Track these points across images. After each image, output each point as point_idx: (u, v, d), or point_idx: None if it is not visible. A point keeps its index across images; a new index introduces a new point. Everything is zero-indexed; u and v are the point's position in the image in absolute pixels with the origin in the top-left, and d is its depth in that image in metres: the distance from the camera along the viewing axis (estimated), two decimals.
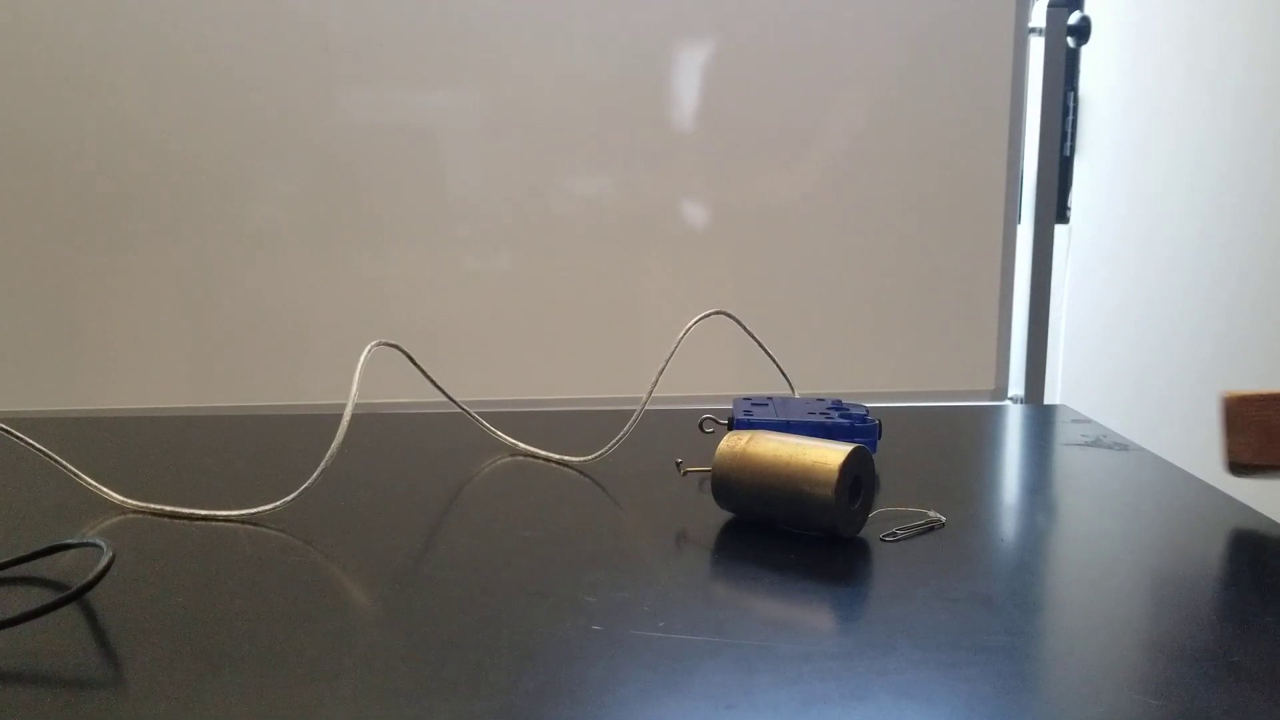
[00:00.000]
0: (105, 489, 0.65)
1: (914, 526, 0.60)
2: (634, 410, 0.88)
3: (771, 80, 1.08)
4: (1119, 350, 1.55)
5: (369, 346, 0.68)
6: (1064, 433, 0.81)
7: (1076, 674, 0.43)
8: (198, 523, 0.61)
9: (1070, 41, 1.12)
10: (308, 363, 1.09)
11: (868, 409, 0.80)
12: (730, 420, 0.71)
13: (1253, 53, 1.36)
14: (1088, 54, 1.56)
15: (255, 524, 0.61)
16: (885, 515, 0.62)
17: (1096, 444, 0.77)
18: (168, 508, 0.63)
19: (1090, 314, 1.59)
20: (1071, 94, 1.54)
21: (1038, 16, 1.11)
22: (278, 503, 0.63)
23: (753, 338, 0.77)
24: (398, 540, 0.58)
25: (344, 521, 0.61)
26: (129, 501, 0.64)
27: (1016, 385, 1.15)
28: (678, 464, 0.69)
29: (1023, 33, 1.10)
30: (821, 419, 0.70)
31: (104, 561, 0.50)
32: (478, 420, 0.77)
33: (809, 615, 0.49)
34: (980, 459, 0.73)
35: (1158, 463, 0.72)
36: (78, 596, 0.48)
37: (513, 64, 1.06)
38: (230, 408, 1.10)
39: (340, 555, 0.56)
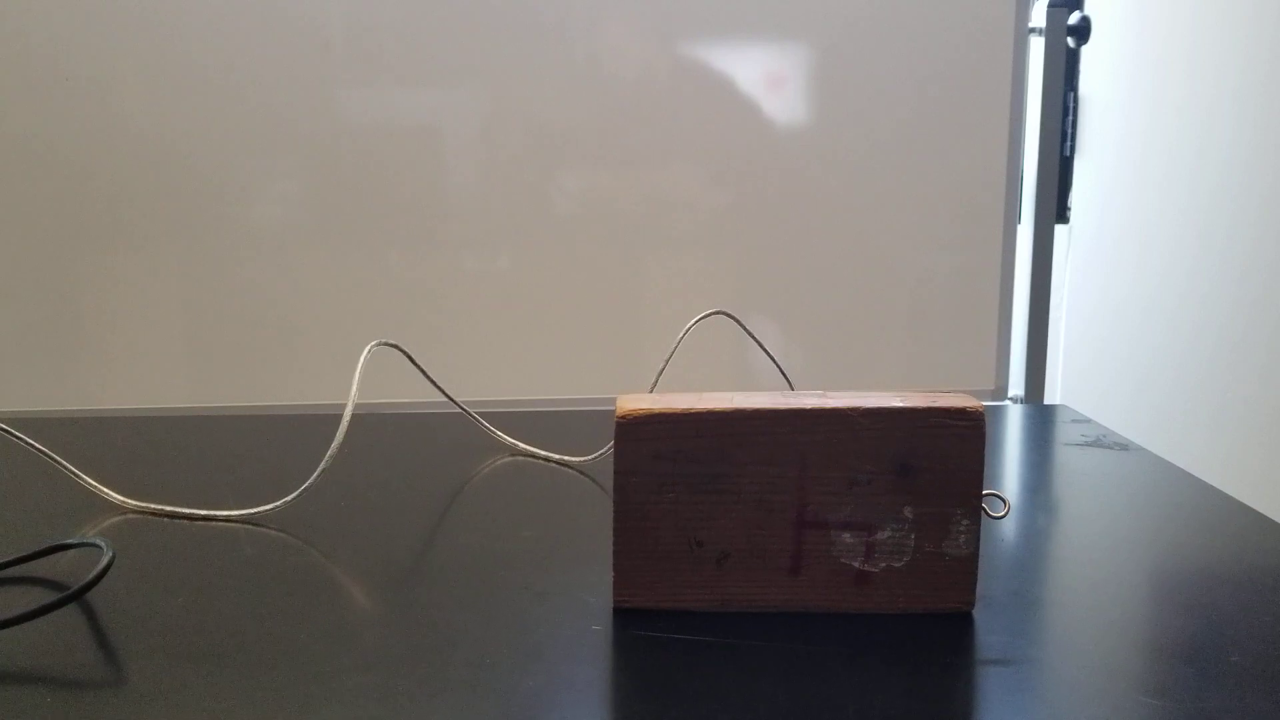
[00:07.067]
0: (105, 489, 0.65)
1: None
2: None
3: (771, 80, 1.08)
4: (1119, 350, 1.55)
5: (369, 346, 0.68)
6: (1064, 433, 0.81)
7: (1076, 674, 0.43)
8: (198, 523, 0.61)
9: (1070, 41, 1.12)
10: (308, 363, 1.09)
11: None
12: None
13: (1253, 53, 1.36)
14: (1088, 54, 1.56)
15: (255, 524, 0.61)
16: None
17: (1096, 444, 0.77)
18: (168, 508, 0.63)
19: (1090, 314, 1.59)
20: (1071, 94, 1.54)
21: (1038, 16, 1.11)
22: (278, 503, 0.63)
23: (752, 338, 0.77)
24: (398, 540, 0.58)
25: (344, 521, 0.61)
26: (129, 501, 0.64)
27: (1016, 385, 1.15)
28: None
29: (1023, 33, 1.10)
30: None
31: (104, 561, 0.50)
32: (478, 420, 0.77)
33: (810, 616, 0.49)
34: None
35: (1158, 463, 0.72)
36: (78, 596, 0.48)
37: (513, 64, 1.06)
38: (230, 408, 1.10)
39: (340, 555, 0.56)
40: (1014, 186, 1.12)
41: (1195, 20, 1.43)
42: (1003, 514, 0.52)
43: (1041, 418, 0.86)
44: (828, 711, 0.40)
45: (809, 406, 0.47)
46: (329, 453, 0.63)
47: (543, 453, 0.75)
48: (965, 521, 0.47)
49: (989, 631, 0.47)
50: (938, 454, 0.47)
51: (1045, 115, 1.11)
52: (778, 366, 0.78)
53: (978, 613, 0.49)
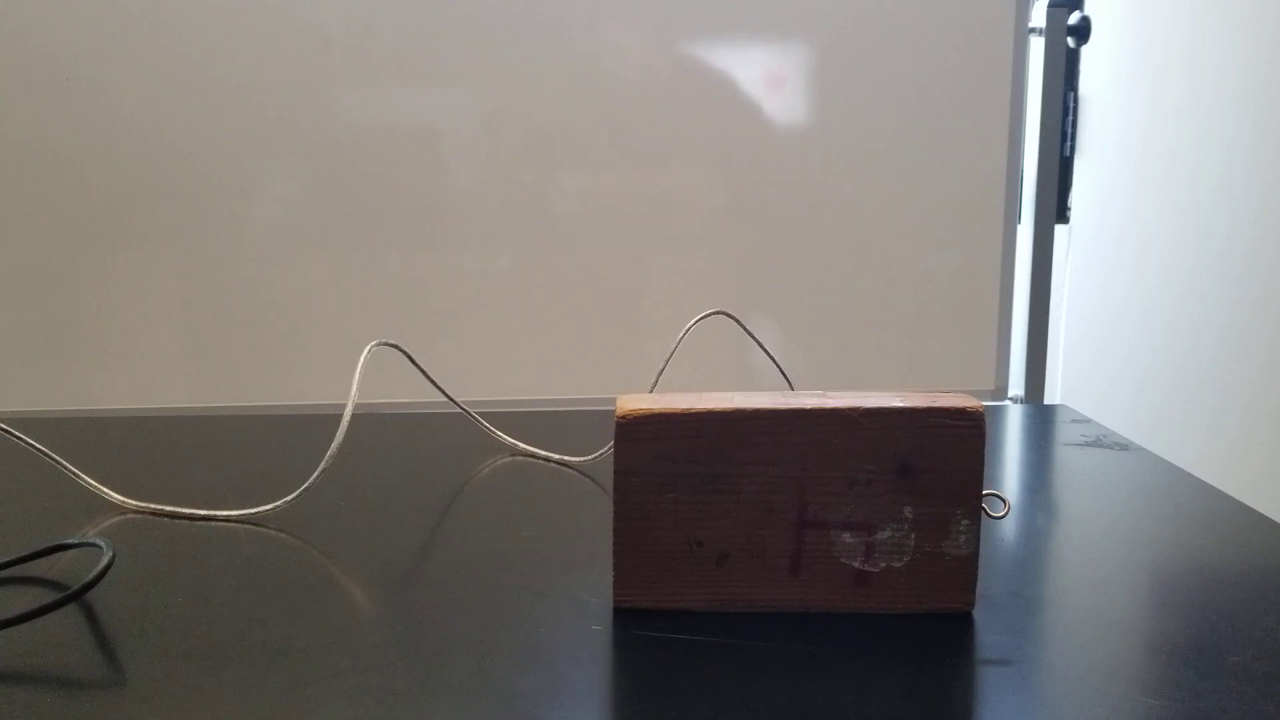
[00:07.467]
0: (105, 489, 0.65)
1: None
2: None
3: (771, 80, 1.08)
4: (1119, 350, 1.55)
5: (369, 346, 0.68)
6: (1064, 433, 0.81)
7: (1076, 674, 0.43)
8: (198, 523, 0.61)
9: (1070, 41, 1.12)
10: (308, 363, 1.09)
11: None
12: None
13: (1253, 53, 1.36)
14: (1088, 54, 1.56)
15: (255, 524, 0.61)
16: None
17: (1096, 444, 0.77)
18: (168, 508, 0.63)
19: (1090, 314, 1.59)
20: (1071, 94, 1.54)
21: (1038, 16, 1.11)
22: (278, 503, 0.63)
23: (752, 338, 0.77)
24: (398, 540, 0.58)
25: (344, 521, 0.61)
26: (129, 501, 0.64)
27: (1016, 385, 1.15)
28: None
29: (1023, 33, 1.10)
30: None
31: (104, 561, 0.50)
32: (478, 420, 0.77)
33: (810, 616, 0.49)
34: None
35: (1158, 463, 0.72)
36: (78, 596, 0.48)
37: (513, 64, 1.06)
38: (230, 408, 1.10)
39: (340, 555, 0.56)
40: (1014, 186, 1.12)
41: (1195, 20, 1.43)
42: (1003, 514, 0.52)
43: (1041, 418, 0.86)
44: (828, 711, 0.40)
45: (809, 406, 0.47)
46: (329, 453, 0.63)
47: (543, 453, 0.75)
48: (965, 521, 0.47)
49: (989, 631, 0.47)
50: (938, 454, 0.47)
51: (1045, 115, 1.11)
52: (778, 366, 0.78)
53: (978, 613, 0.49)
